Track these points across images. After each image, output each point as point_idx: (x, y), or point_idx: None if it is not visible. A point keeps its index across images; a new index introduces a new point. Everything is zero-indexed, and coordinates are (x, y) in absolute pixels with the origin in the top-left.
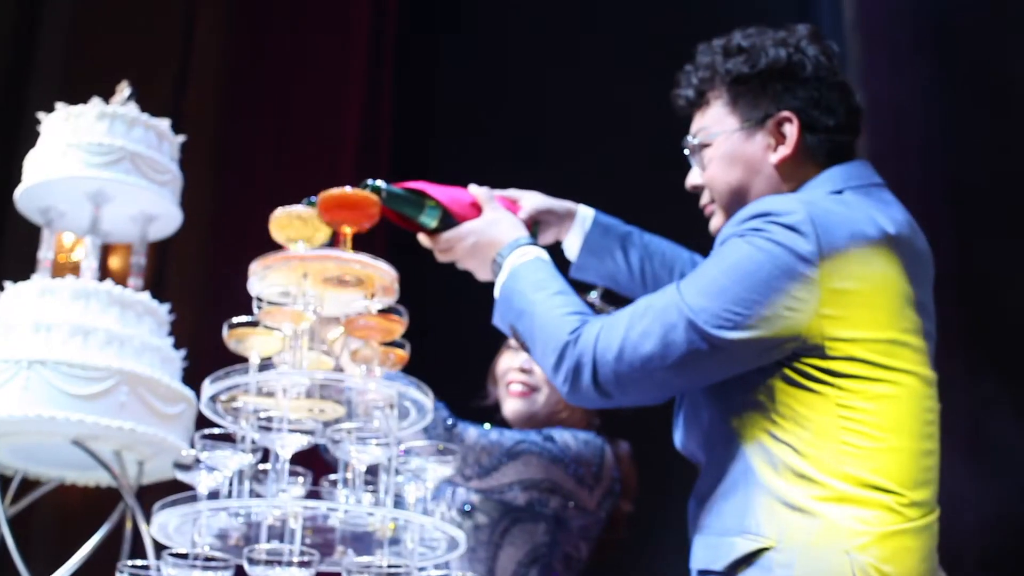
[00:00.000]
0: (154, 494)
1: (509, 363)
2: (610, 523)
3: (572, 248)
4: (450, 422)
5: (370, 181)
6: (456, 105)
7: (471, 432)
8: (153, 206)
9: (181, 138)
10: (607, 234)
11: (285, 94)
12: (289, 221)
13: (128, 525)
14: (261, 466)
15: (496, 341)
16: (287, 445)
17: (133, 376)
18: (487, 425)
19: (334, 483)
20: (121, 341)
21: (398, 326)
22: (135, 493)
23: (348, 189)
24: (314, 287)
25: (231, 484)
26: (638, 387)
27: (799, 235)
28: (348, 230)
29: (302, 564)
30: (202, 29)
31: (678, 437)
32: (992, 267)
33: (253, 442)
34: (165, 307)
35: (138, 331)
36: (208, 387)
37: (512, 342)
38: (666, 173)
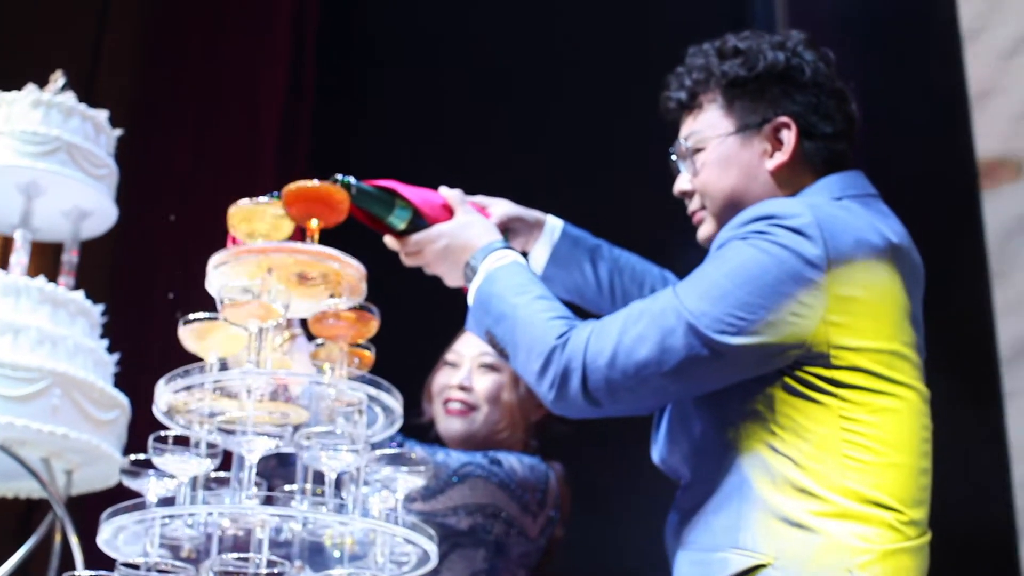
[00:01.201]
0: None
1: (447, 380)
2: (547, 550)
3: (539, 259)
4: (398, 439)
5: (339, 176)
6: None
7: (418, 451)
8: (88, 201)
9: (118, 132)
10: (576, 246)
11: (204, 88)
12: (250, 214)
13: (57, 538)
14: (214, 473)
15: (432, 354)
16: (255, 449)
17: (67, 378)
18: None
19: (289, 493)
20: (54, 341)
21: (372, 326)
22: (63, 505)
23: (315, 182)
24: (279, 283)
25: (182, 492)
26: (630, 395)
27: (806, 239)
28: (315, 225)
29: None
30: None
31: (658, 450)
32: None
33: (209, 447)
34: (99, 308)
35: (71, 331)
36: (164, 387)
37: (450, 356)
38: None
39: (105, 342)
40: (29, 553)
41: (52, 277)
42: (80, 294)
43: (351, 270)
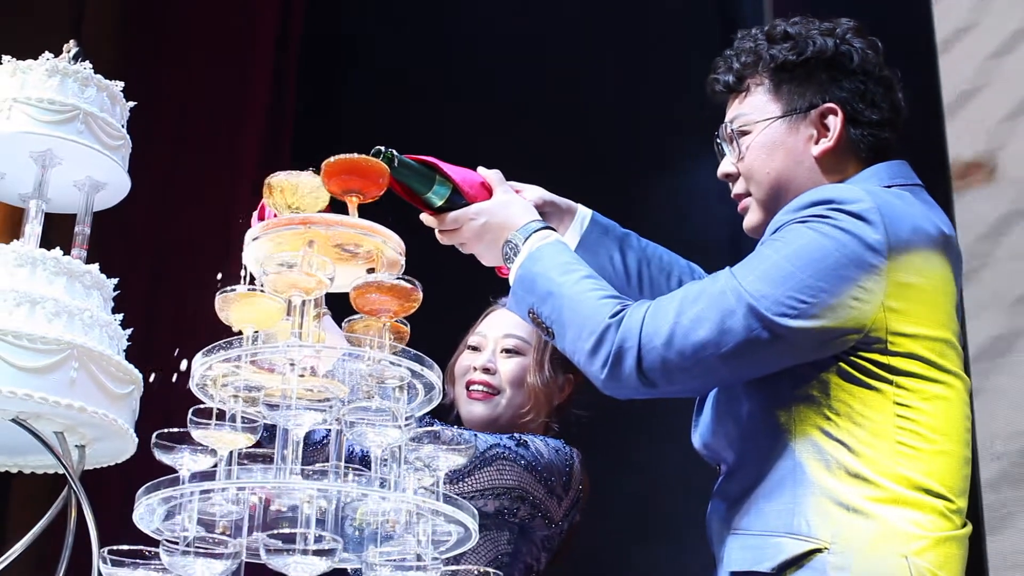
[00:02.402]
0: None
1: (470, 362)
2: (568, 534)
3: (569, 245)
4: (427, 419)
5: (381, 148)
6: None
7: (446, 433)
8: (101, 172)
9: (132, 104)
10: (605, 234)
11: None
12: (288, 186)
13: (72, 514)
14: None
15: (454, 337)
16: (303, 423)
17: (84, 351)
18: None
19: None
20: (70, 313)
21: (415, 300)
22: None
23: (356, 155)
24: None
25: (221, 467)
26: (685, 375)
27: (867, 224)
28: (355, 199)
29: (320, 553)
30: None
31: (700, 434)
32: None
33: (245, 421)
34: (112, 282)
35: (88, 304)
36: (202, 360)
37: (473, 339)
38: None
39: (119, 316)
40: (44, 528)
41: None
42: (95, 267)
43: (395, 245)
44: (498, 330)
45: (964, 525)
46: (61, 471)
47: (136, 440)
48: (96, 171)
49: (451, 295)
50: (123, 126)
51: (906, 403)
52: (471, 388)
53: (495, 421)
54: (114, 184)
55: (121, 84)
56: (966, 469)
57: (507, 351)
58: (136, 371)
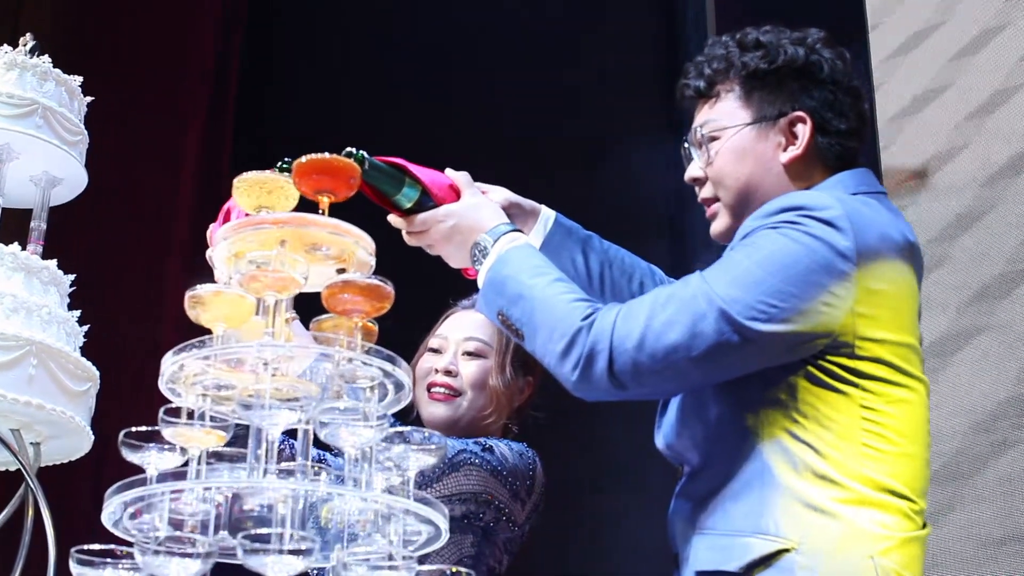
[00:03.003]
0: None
1: (432, 364)
2: (527, 537)
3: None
4: (390, 421)
5: (351, 149)
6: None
7: (415, 436)
8: (59, 168)
9: (90, 99)
10: (568, 236)
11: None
12: (257, 185)
13: (29, 512)
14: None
15: (412, 338)
16: (278, 423)
17: (43, 347)
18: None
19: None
20: (28, 309)
21: (388, 302)
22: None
23: (329, 155)
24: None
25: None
26: (656, 378)
27: (837, 231)
28: (326, 199)
29: (295, 552)
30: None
31: (663, 435)
32: None
33: (213, 420)
34: (69, 278)
35: (46, 300)
36: (173, 358)
37: (434, 341)
38: None
39: (77, 313)
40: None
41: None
42: (53, 263)
43: (367, 245)
44: (459, 332)
45: (924, 526)
46: (16, 468)
47: (92, 437)
48: (53, 166)
49: (410, 297)
50: (81, 120)
51: (872, 406)
52: (432, 390)
53: (456, 423)
54: (71, 179)
55: (79, 79)
56: (927, 471)
57: (469, 353)
58: (93, 368)
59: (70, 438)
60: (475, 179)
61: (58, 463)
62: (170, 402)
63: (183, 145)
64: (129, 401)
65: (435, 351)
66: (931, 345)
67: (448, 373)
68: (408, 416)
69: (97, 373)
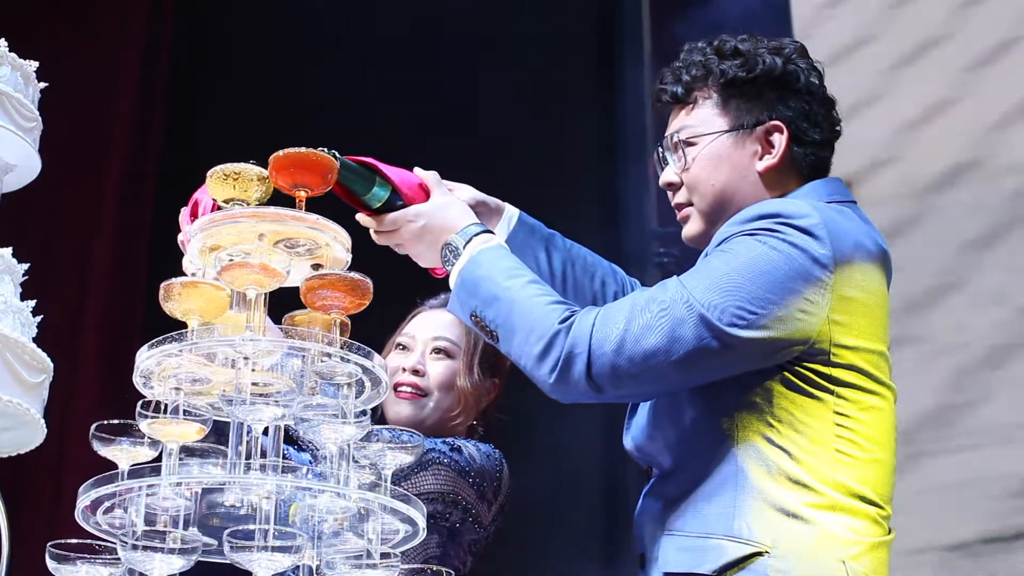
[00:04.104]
0: None
1: (399, 363)
2: (492, 537)
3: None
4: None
5: (323, 149)
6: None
7: (384, 435)
8: (12, 154)
9: (43, 84)
10: (532, 235)
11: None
12: (230, 178)
13: None
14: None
15: (377, 335)
16: (262, 418)
17: None
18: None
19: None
20: None
21: (367, 298)
22: None
23: (305, 149)
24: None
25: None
26: (634, 382)
27: (814, 239)
28: (303, 194)
29: (278, 549)
30: None
31: (632, 437)
32: None
33: (187, 414)
34: (23, 267)
35: (1, 290)
36: (147, 352)
37: (402, 339)
38: None
39: (31, 303)
40: None
41: None
42: (8, 251)
43: (341, 240)
44: (428, 331)
45: (890, 532)
46: None
47: (45, 430)
48: (8, 152)
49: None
50: (35, 107)
51: (845, 412)
52: (399, 388)
53: (422, 423)
54: (24, 166)
55: (35, 64)
56: (894, 477)
57: (437, 351)
58: (48, 359)
59: (24, 430)
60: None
61: (9, 455)
62: (133, 395)
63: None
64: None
65: (403, 348)
66: None
67: (416, 372)
68: (373, 415)
69: (51, 364)
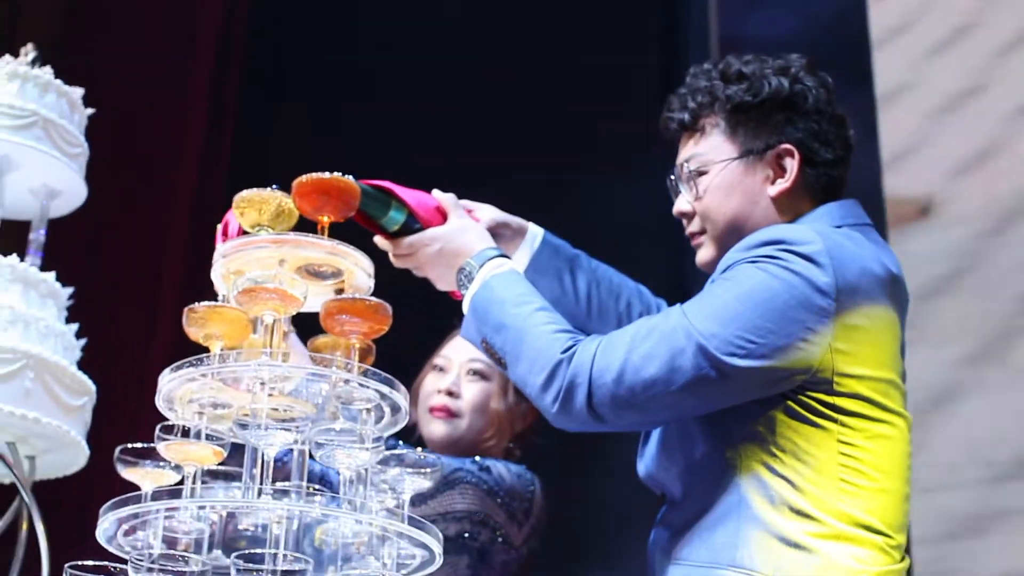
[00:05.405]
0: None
1: (435, 384)
2: (527, 561)
3: (519, 266)
4: (390, 442)
5: (337, 174)
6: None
7: (409, 456)
8: (58, 180)
9: (91, 111)
10: (556, 255)
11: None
12: (256, 203)
13: (24, 526)
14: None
15: (417, 359)
16: (274, 443)
17: (40, 361)
18: (419, 449)
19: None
20: (26, 322)
21: (386, 323)
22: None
23: (328, 175)
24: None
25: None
26: (634, 411)
27: (816, 266)
28: (326, 219)
29: (288, 573)
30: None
31: (645, 464)
32: None
33: (209, 438)
34: (68, 291)
35: (43, 313)
36: (170, 376)
37: (439, 361)
38: None
39: (74, 326)
40: None
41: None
42: (51, 275)
43: (364, 266)
44: (464, 353)
45: (903, 559)
46: (10, 481)
47: (87, 452)
48: (53, 178)
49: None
50: (82, 133)
51: (850, 441)
52: (433, 410)
53: (457, 443)
54: (70, 192)
55: (80, 91)
56: (906, 505)
57: (473, 373)
58: (90, 382)
59: (65, 452)
60: (474, 198)
61: (53, 477)
62: (166, 418)
63: (181, 156)
64: (123, 418)
65: (439, 370)
66: None
67: (450, 394)
68: (411, 436)
69: (93, 387)
